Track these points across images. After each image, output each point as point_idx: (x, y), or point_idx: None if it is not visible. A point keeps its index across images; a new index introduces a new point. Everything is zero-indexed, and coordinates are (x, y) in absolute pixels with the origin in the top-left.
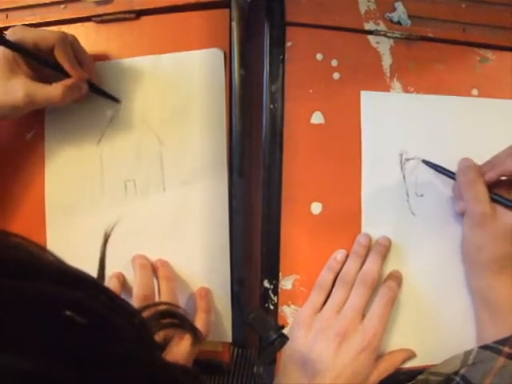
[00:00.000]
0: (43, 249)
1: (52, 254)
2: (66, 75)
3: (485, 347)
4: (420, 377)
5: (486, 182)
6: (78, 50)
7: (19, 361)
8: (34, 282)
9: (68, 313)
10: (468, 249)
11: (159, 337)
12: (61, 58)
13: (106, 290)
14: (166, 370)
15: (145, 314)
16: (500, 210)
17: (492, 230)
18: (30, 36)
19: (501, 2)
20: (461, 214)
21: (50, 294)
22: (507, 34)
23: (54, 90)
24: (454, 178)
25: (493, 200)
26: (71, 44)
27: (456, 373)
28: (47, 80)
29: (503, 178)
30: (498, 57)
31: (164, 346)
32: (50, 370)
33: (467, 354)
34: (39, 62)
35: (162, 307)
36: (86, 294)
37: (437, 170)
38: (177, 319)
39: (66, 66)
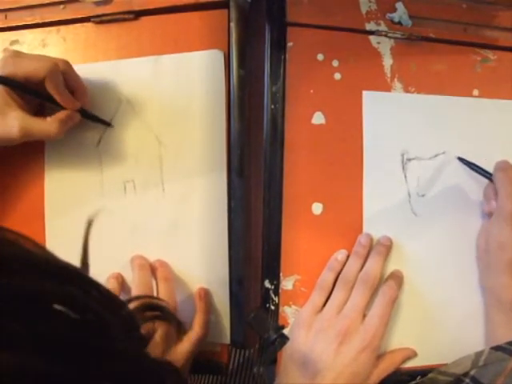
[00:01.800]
0: (37, 245)
1: (46, 250)
2: (59, 105)
3: (497, 348)
4: (429, 375)
5: None
6: (71, 77)
7: (11, 355)
8: (26, 278)
9: (60, 308)
10: (490, 246)
11: (143, 330)
12: (52, 90)
13: (98, 286)
14: (148, 363)
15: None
16: None
17: None
18: (20, 70)
19: (501, 3)
20: (487, 215)
21: (43, 290)
22: (508, 35)
23: (48, 126)
24: (489, 178)
25: None
26: (63, 72)
27: (466, 374)
28: (41, 109)
29: None
30: (498, 57)
31: (149, 339)
32: (41, 365)
33: (478, 354)
34: (31, 94)
35: (144, 300)
36: (79, 290)
37: (472, 169)
38: (159, 311)
39: (58, 98)
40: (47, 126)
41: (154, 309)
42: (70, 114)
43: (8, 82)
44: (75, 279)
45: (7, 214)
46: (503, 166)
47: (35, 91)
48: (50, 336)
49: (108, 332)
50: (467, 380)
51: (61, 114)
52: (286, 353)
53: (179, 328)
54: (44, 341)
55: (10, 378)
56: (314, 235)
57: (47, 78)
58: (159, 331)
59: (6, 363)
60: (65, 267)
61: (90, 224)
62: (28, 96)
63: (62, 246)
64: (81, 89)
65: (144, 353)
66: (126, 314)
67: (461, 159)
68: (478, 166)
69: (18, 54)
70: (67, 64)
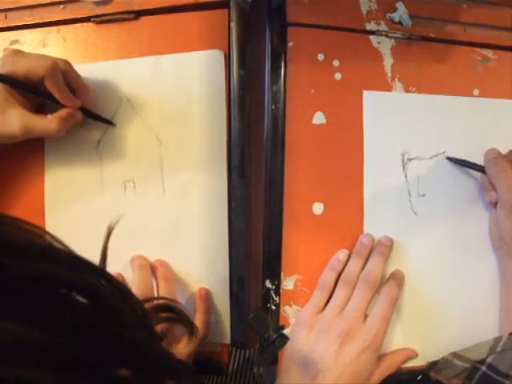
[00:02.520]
0: (54, 238)
1: (63, 244)
2: (59, 103)
3: None
4: (445, 356)
5: None
6: (71, 76)
7: (25, 330)
8: (44, 264)
9: (72, 294)
10: (504, 236)
11: (157, 330)
12: (52, 88)
13: (110, 277)
14: (165, 358)
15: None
16: None
17: None
18: (20, 68)
19: (501, 2)
20: (492, 205)
21: (53, 274)
22: (508, 34)
23: (49, 124)
24: (482, 171)
25: None
26: (63, 71)
27: (482, 361)
28: (42, 106)
29: None
30: (498, 56)
31: (163, 337)
32: (51, 343)
33: (497, 340)
34: (31, 92)
35: (160, 301)
36: (88, 277)
37: (463, 165)
38: (175, 313)
39: (58, 96)
40: (48, 123)
41: (168, 310)
42: (72, 112)
43: (7, 80)
44: (85, 267)
45: (7, 213)
46: (493, 156)
47: (35, 89)
48: (57, 316)
49: (117, 318)
50: (484, 368)
51: (62, 112)
52: (287, 353)
53: (192, 330)
54: (52, 320)
55: (19, 349)
56: (314, 235)
57: (47, 76)
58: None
59: (15, 334)
60: (78, 257)
61: (110, 231)
62: (29, 94)
63: None
64: (82, 88)
65: (159, 345)
66: (139, 308)
67: (449, 158)
68: (467, 162)
69: (17, 53)
70: (67, 64)
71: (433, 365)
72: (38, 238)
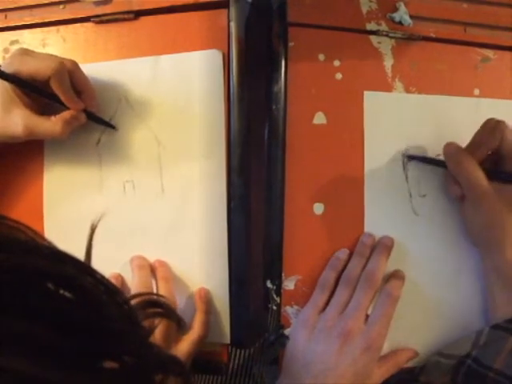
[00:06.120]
0: (37, 234)
1: (46, 239)
2: (64, 104)
3: (496, 327)
4: (432, 359)
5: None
6: (78, 77)
7: (9, 321)
8: (27, 258)
9: (56, 287)
10: (478, 231)
11: (145, 324)
12: (57, 90)
13: (93, 271)
14: (152, 351)
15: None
16: (497, 185)
17: (498, 205)
18: (25, 68)
19: (502, 2)
20: (458, 199)
21: (40, 268)
22: (508, 34)
23: (53, 126)
24: (444, 166)
25: (489, 177)
26: (70, 72)
27: (468, 355)
28: (47, 107)
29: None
30: (499, 56)
31: (151, 331)
32: (36, 334)
33: (478, 334)
34: (36, 92)
35: (147, 297)
36: (75, 273)
37: (426, 162)
38: (161, 309)
39: (63, 98)
40: (51, 125)
41: (155, 305)
42: (76, 114)
43: (12, 79)
44: (68, 261)
45: (5, 214)
46: (452, 153)
47: (40, 89)
48: (42, 308)
49: (101, 311)
50: (469, 361)
51: (66, 114)
52: (288, 353)
53: (180, 325)
54: (35, 312)
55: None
56: (315, 235)
57: (52, 77)
58: (159, 329)
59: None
60: (62, 253)
61: (93, 230)
62: (34, 94)
63: (61, 245)
64: (88, 90)
65: (146, 339)
66: (127, 306)
67: (411, 157)
68: (429, 158)
69: (26, 52)
70: (74, 64)
71: (421, 370)
72: (19, 233)
